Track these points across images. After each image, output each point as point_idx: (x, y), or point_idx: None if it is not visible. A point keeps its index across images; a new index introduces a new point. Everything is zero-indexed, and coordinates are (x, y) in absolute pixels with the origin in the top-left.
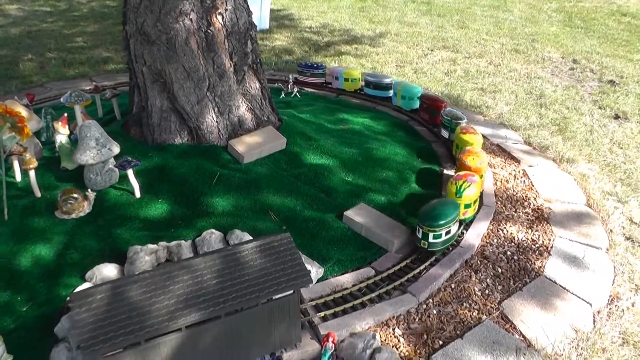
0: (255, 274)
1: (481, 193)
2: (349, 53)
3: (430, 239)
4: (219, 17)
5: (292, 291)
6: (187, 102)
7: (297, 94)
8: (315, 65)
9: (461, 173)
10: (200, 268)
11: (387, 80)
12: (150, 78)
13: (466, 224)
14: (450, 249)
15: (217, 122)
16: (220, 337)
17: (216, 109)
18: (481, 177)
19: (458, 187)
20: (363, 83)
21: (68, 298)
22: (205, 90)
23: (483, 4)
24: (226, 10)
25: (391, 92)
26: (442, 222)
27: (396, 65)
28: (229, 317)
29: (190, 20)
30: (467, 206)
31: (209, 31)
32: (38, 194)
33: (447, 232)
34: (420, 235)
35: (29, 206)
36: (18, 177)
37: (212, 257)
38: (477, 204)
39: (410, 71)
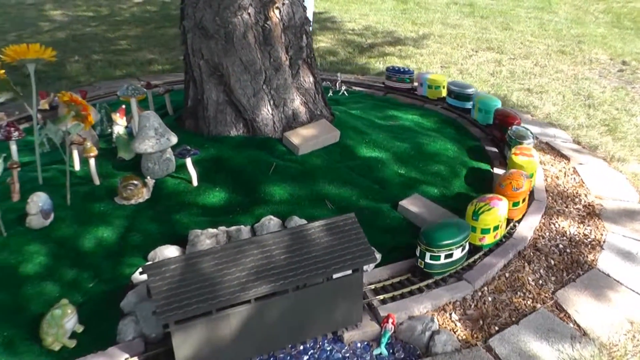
0: (322, 251)
1: (532, 189)
2: (393, 54)
3: (427, 259)
4: (276, 12)
5: (356, 269)
6: (243, 95)
7: (345, 92)
8: (402, 69)
9: (487, 196)
10: (269, 244)
11: (470, 91)
12: (207, 72)
13: (517, 220)
14: (504, 240)
15: (272, 114)
16: (286, 311)
17: (272, 102)
18: (519, 202)
19: (476, 209)
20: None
21: (140, 268)
22: (261, 83)
23: (527, 6)
24: (283, 4)
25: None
26: (440, 244)
27: (441, 66)
28: (295, 292)
29: (249, 14)
30: (484, 231)
31: (266, 25)
32: (97, 181)
33: (448, 256)
34: (417, 253)
35: (89, 193)
36: (77, 166)
37: (281, 234)
38: (501, 230)
39: (456, 72)
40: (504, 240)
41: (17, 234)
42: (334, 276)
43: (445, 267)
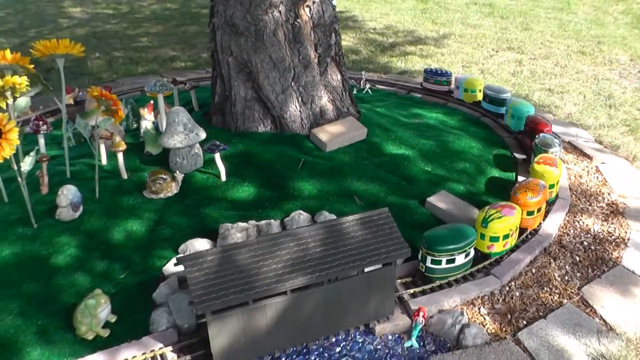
0: (356, 244)
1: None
2: (414, 53)
3: (428, 263)
4: (307, 10)
5: (390, 263)
6: (271, 92)
7: (369, 90)
8: (439, 71)
9: (500, 203)
10: (304, 237)
11: (504, 95)
12: (236, 68)
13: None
14: (529, 237)
15: (300, 111)
16: (321, 303)
17: (300, 99)
18: (534, 212)
19: (486, 216)
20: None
21: (175, 259)
22: (290, 80)
23: (546, 6)
24: (314, 3)
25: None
26: (442, 248)
27: (462, 66)
28: (330, 284)
29: (279, 12)
30: (493, 239)
31: (296, 23)
32: (125, 175)
33: (450, 261)
34: (419, 257)
35: (117, 186)
36: (104, 161)
37: (316, 227)
38: (511, 239)
39: (477, 71)
40: (529, 237)
41: (47, 225)
42: (368, 269)
43: (447, 272)
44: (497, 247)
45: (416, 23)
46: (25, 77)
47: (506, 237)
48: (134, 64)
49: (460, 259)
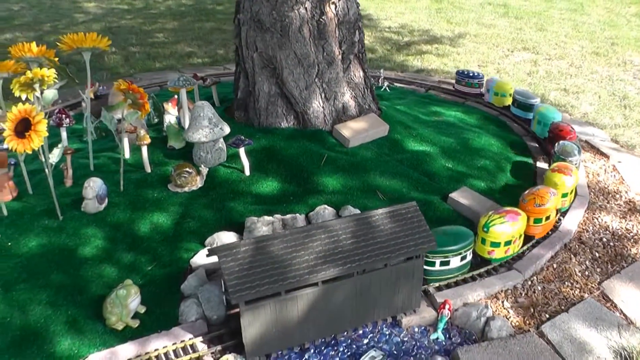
0: (386, 237)
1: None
2: (430, 52)
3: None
4: (332, 7)
5: (418, 256)
6: (295, 88)
7: (387, 88)
8: (471, 73)
9: (505, 208)
10: (336, 229)
11: (532, 101)
12: (260, 64)
13: (562, 212)
14: (550, 232)
15: (323, 107)
16: (351, 295)
17: (323, 95)
18: (541, 220)
19: (488, 221)
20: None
21: (208, 249)
22: (314, 76)
23: (560, 7)
24: (339, 0)
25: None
26: (435, 250)
27: (478, 65)
28: (360, 276)
29: (305, 8)
30: (494, 245)
31: (321, 20)
32: (148, 169)
33: (444, 263)
34: None
35: (141, 179)
36: (127, 154)
37: (347, 219)
38: (514, 245)
39: (493, 71)
40: (550, 233)
41: (73, 218)
42: (396, 261)
43: (441, 274)
44: (498, 253)
45: (431, 22)
46: (53, 70)
47: (508, 243)
48: (151, 60)
49: (455, 262)
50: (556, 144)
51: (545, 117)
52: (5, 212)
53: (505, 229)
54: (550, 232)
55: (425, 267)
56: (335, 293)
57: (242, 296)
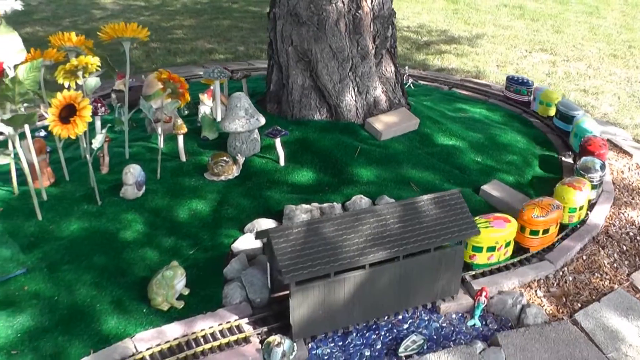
0: (431, 222)
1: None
2: (449, 52)
3: None
4: (368, 1)
5: (460, 242)
6: (329, 81)
7: (412, 85)
8: (521, 80)
9: (494, 214)
10: (384, 213)
11: (574, 112)
12: (295, 57)
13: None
14: (578, 226)
15: (355, 101)
16: (395, 279)
17: (356, 89)
18: (538, 232)
19: None
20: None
21: (256, 232)
22: (347, 70)
23: (576, 10)
24: None
25: None
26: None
27: (497, 65)
28: (405, 260)
29: (342, 2)
30: (476, 249)
31: (357, 14)
32: (184, 158)
33: None
34: None
35: (177, 168)
36: (161, 144)
37: (394, 205)
38: (499, 253)
39: (512, 71)
40: (578, 226)
41: (112, 203)
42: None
43: None
44: (480, 259)
45: (448, 23)
46: (97, 58)
47: (491, 249)
48: (172, 55)
49: None
50: (580, 160)
51: (583, 130)
52: (45, 197)
53: (489, 234)
54: (578, 225)
55: None
56: (381, 277)
57: (294, 276)
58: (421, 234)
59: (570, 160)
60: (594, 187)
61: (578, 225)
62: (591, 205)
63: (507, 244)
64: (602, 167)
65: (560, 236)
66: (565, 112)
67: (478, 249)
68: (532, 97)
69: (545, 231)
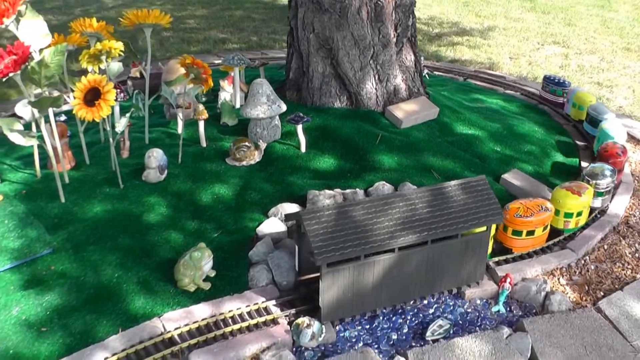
0: (458, 207)
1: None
2: (461, 44)
3: None
4: None
5: (487, 228)
6: (350, 69)
7: (427, 75)
8: (557, 80)
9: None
10: (413, 198)
11: (604, 116)
12: (316, 45)
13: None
14: (598, 215)
15: (376, 89)
16: (423, 263)
17: (376, 77)
18: (522, 232)
19: None
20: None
21: (285, 215)
22: (369, 58)
23: (587, 3)
24: None
25: None
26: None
27: (510, 57)
28: (433, 245)
29: None
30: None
31: (379, 2)
32: (204, 143)
33: None
34: None
35: (198, 153)
36: (180, 129)
37: (423, 189)
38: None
39: (525, 63)
40: (599, 215)
41: (134, 187)
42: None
43: None
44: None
45: (460, 15)
46: (120, 43)
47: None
48: (186, 44)
49: None
50: (588, 165)
51: (606, 135)
52: (67, 180)
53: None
54: (598, 215)
55: None
56: (409, 261)
57: (326, 258)
58: (449, 218)
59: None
60: (599, 194)
61: (598, 216)
62: (611, 196)
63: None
64: (613, 173)
65: (580, 226)
66: (595, 117)
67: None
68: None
69: (530, 232)
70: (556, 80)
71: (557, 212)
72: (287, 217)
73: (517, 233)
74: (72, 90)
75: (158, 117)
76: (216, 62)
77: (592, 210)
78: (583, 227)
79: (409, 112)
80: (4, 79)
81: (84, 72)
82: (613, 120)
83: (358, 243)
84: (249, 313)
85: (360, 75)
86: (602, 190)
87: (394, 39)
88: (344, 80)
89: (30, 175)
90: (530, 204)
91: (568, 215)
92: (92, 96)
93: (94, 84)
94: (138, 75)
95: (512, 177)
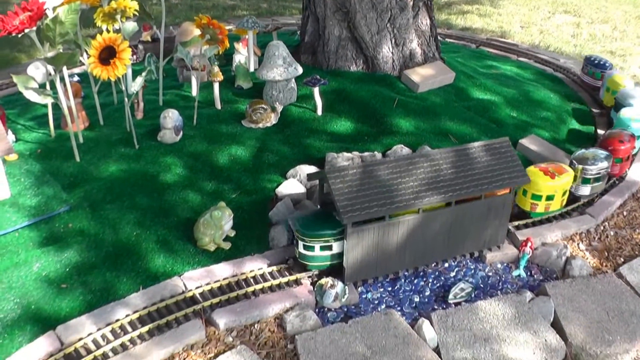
0: (482, 169)
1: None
2: (472, 12)
3: (301, 249)
4: None
5: (509, 190)
6: (367, 32)
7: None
8: (597, 60)
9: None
10: (437, 158)
11: (630, 101)
12: (333, 8)
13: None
14: (617, 182)
15: (392, 52)
16: (446, 225)
17: (393, 41)
18: None
19: None
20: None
21: (307, 174)
22: (386, 21)
23: None
24: None
25: None
26: (314, 233)
27: (521, 26)
28: (457, 206)
29: None
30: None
31: None
32: (219, 105)
33: (325, 248)
34: (293, 241)
35: (213, 115)
36: (194, 92)
37: (447, 150)
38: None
39: (536, 32)
40: (617, 182)
41: (149, 147)
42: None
43: (323, 260)
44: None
45: None
46: (135, 2)
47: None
48: (194, 11)
49: (338, 247)
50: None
51: (622, 123)
52: (81, 140)
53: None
54: (616, 181)
55: (304, 252)
56: (433, 222)
57: (352, 217)
58: (473, 180)
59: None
60: (585, 181)
61: (617, 182)
62: (630, 163)
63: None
64: (607, 160)
65: (599, 192)
66: (621, 102)
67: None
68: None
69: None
70: (596, 62)
71: (524, 192)
72: (310, 177)
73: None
74: (86, 52)
75: (171, 80)
76: (227, 27)
77: (577, 198)
78: (602, 193)
79: (426, 76)
80: (19, 35)
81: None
82: (635, 108)
83: (383, 203)
84: (270, 273)
85: (377, 39)
86: (591, 177)
87: (411, 3)
88: (360, 44)
89: (45, 135)
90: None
91: (536, 197)
92: (107, 55)
93: (109, 43)
94: (149, 39)
95: (529, 143)
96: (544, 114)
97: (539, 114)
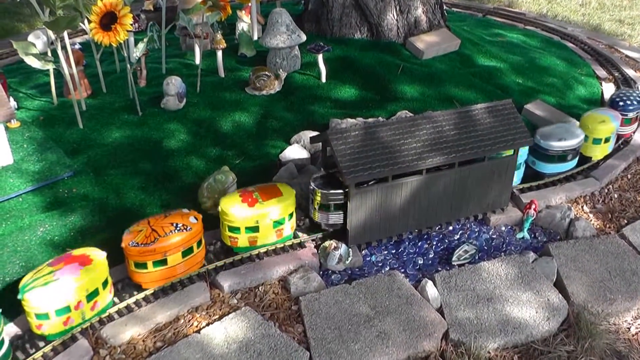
0: (485, 130)
1: None
2: None
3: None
4: None
5: (512, 151)
6: None
7: (445, 11)
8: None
9: (73, 253)
10: (439, 120)
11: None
12: None
13: None
14: (622, 146)
15: (396, 20)
16: (450, 186)
17: (398, 8)
18: (145, 265)
19: (29, 281)
20: None
21: (310, 137)
22: None
23: None
24: None
25: None
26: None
27: None
28: (460, 168)
29: None
30: (40, 317)
31: None
32: (222, 73)
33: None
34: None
35: (216, 82)
36: (197, 60)
37: (449, 112)
38: (79, 312)
39: (544, 1)
40: (622, 146)
41: (152, 114)
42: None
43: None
44: (49, 328)
45: None
46: None
47: (61, 312)
48: None
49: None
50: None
51: None
52: (84, 107)
53: (46, 295)
54: (622, 145)
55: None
56: (436, 184)
57: (355, 177)
58: (476, 141)
59: (610, 86)
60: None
61: (621, 146)
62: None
63: (91, 297)
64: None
65: (604, 157)
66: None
67: (43, 317)
68: None
69: (162, 262)
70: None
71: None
72: (312, 139)
73: (140, 266)
74: (87, 18)
75: (174, 49)
76: None
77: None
78: (606, 157)
79: (430, 43)
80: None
81: None
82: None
83: (386, 164)
84: None
85: (382, 6)
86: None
87: None
88: (365, 11)
89: (47, 102)
90: (146, 232)
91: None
92: (109, 20)
93: (109, 8)
94: (151, 8)
95: (534, 107)
96: (550, 80)
97: (545, 80)
